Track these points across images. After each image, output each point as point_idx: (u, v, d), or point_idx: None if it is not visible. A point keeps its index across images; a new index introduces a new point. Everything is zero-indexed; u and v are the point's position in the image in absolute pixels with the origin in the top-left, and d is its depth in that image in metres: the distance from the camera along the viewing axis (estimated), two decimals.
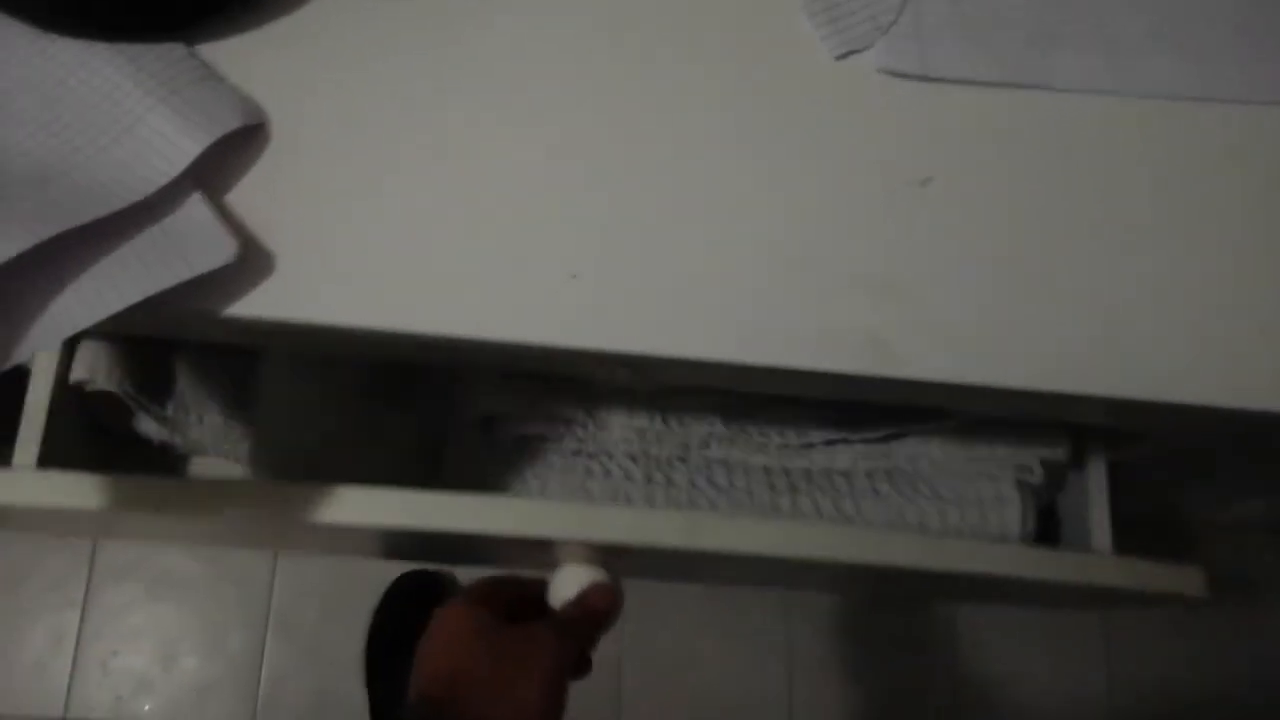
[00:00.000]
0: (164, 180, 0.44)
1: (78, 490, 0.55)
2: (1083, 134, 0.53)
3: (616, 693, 1.23)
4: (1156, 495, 1.43)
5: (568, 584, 0.61)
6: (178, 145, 0.45)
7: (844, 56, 0.52)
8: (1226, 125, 0.53)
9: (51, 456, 0.60)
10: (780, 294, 0.48)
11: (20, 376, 0.63)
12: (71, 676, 1.32)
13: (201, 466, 0.69)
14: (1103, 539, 0.70)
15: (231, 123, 0.47)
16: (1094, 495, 0.71)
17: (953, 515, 0.68)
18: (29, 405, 0.61)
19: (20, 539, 1.23)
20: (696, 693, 1.28)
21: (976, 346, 0.48)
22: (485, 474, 0.64)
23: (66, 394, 0.63)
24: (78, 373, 0.62)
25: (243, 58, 0.50)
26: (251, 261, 0.46)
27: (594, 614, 0.59)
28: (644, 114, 0.51)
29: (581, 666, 0.59)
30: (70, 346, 0.63)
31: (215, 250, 0.44)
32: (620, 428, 0.67)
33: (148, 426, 0.65)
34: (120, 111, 0.46)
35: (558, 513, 0.56)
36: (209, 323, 0.46)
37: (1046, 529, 0.73)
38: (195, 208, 0.45)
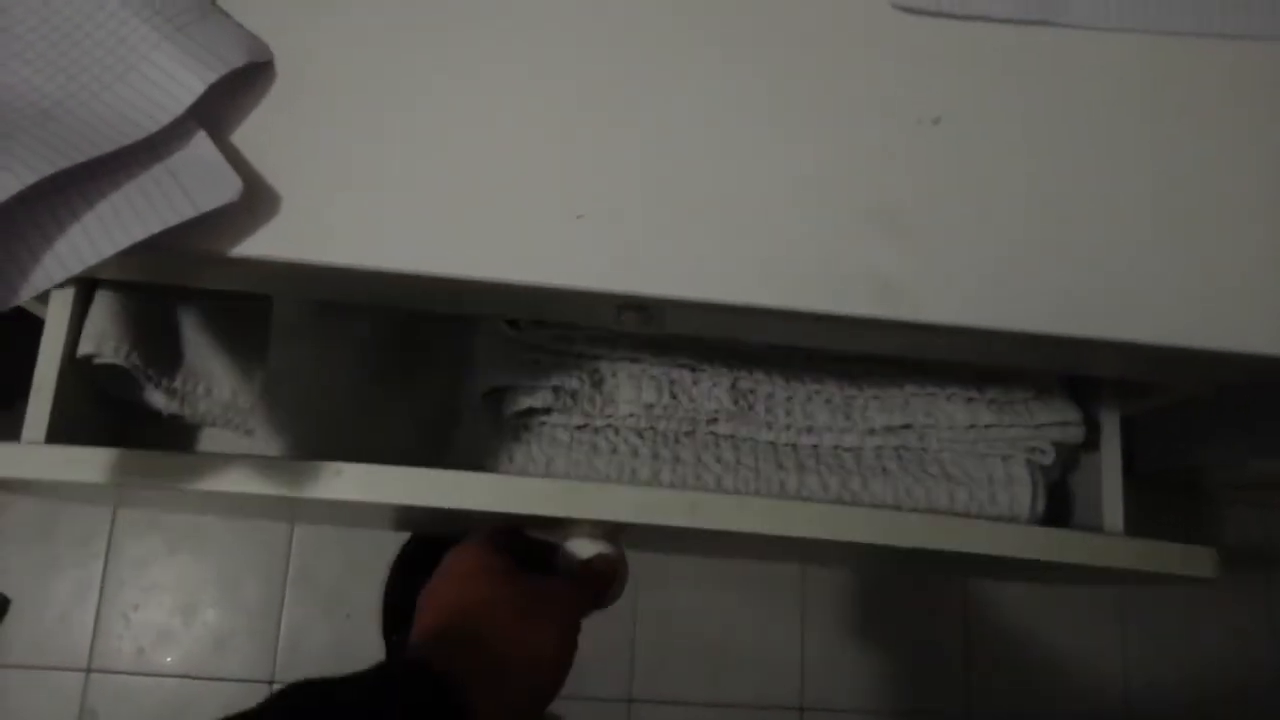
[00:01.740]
0: (168, 118, 0.45)
1: (84, 465, 0.55)
2: (1096, 72, 0.52)
3: (630, 644, 1.24)
4: (1173, 453, 1.42)
5: (575, 555, 0.61)
6: (182, 83, 0.45)
7: None
8: (1241, 62, 0.53)
9: (61, 429, 0.61)
10: (789, 235, 0.48)
11: (31, 338, 0.64)
12: (95, 629, 1.34)
13: (211, 436, 0.69)
14: (1115, 518, 0.70)
15: (237, 60, 0.47)
16: (1107, 474, 0.71)
17: (961, 495, 0.67)
18: (37, 379, 0.61)
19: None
20: (710, 647, 1.29)
21: (986, 289, 0.48)
22: (493, 451, 0.64)
23: (75, 367, 0.63)
24: (85, 347, 0.63)
25: None
26: (256, 201, 0.46)
27: (600, 584, 0.59)
28: (653, 53, 0.51)
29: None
30: (78, 319, 0.63)
31: (220, 188, 0.44)
32: (627, 403, 0.66)
33: (156, 398, 0.66)
34: (126, 49, 0.46)
35: (562, 492, 0.56)
36: (216, 266, 0.47)
37: (1058, 507, 0.72)
38: (200, 145, 0.45)
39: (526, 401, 0.64)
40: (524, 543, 0.60)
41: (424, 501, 0.55)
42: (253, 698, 0.42)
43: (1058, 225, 0.49)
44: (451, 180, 0.48)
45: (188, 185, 0.44)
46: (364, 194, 0.47)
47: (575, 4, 0.51)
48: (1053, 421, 0.69)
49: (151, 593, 1.27)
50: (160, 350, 0.65)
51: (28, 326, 0.66)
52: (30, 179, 0.40)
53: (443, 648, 0.49)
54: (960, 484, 0.67)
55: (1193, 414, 1.38)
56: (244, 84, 0.48)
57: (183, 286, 0.68)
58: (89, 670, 1.35)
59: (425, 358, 0.68)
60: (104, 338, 0.62)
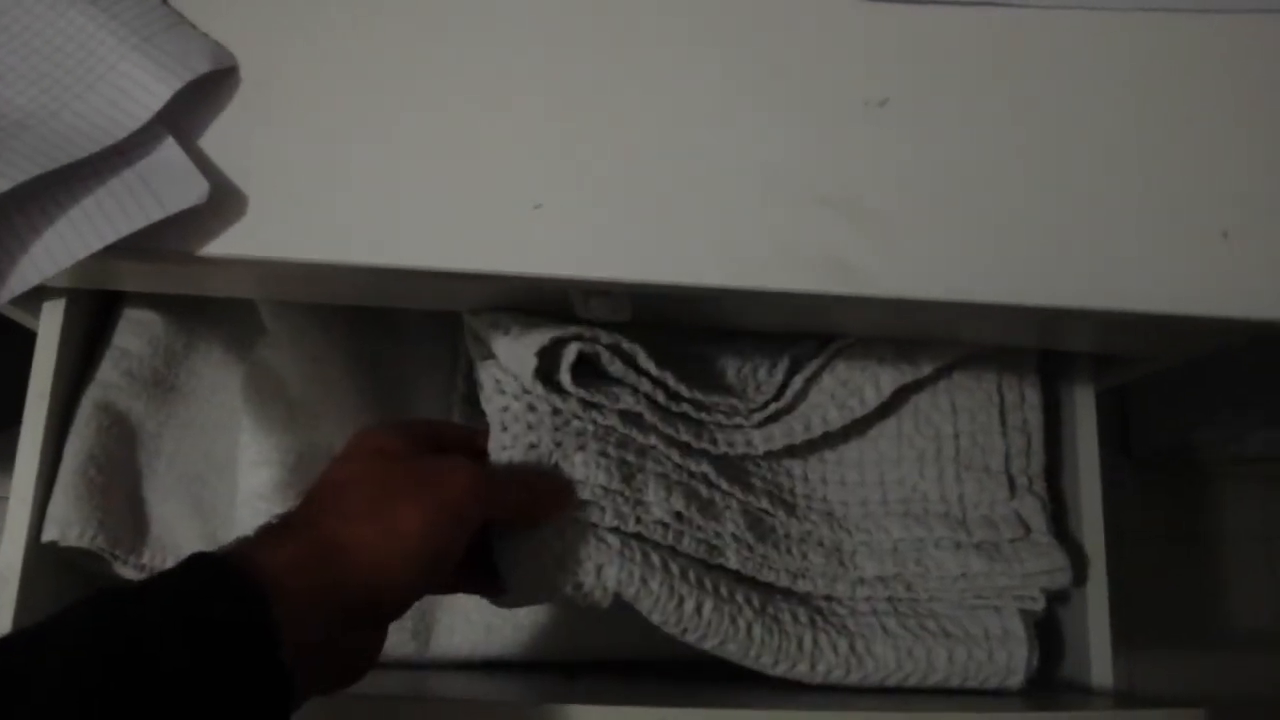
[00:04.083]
0: (136, 124, 0.47)
1: None
2: (1042, 49, 0.53)
3: None
4: (1169, 433, 1.41)
5: None
6: (150, 90, 0.47)
7: None
8: (1190, 35, 0.54)
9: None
10: (744, 216, 0.50)
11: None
12: None
13: None
14: (1103, 668, 0.70)
15: (201, 67, 0.48)
16: (1094, 624, 0.71)
17: (960, 654, 0.67)
18: (2, 567, 0.58)
19: None
20: None
21: (939, 264, 0.50)
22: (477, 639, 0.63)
23: (40, 550, 0.60)
24: (49, 533, 0.60)
25: (212, 4, 0.52)
26: (224, 202, 0.48)
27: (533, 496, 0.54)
28: (603, 41, 0.51)
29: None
30: (42, 504, 0.60)
31: (187, 190, 0.46)
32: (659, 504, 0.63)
33: (125, 571, 0.63)
34: (94, 60, 0.48)
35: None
36: (189, 269, 0.49)
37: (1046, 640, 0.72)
38: (167, 150, 0.47)
39: None
40: (453, 433, 0.55)
41: None
42: None
43: (1008, 199, 0.51)
44: (410, 174, 0.49)
45: (157, 188, 0.46)
46: (328, 193, 0.49)
47: (531, 1, 0.52)
48: (1040, 570, 0.69)
49: None
50: (126, 527, 0.62)
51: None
52: (4, 187, 0.42)
53: (273, 535, 0.42)
54: (959, 642, 0.67)
55: (1187, 392, 1.36)
56: (210, 90, 0.50)
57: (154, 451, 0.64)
58: None
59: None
60: (67, 523, 0.59)
